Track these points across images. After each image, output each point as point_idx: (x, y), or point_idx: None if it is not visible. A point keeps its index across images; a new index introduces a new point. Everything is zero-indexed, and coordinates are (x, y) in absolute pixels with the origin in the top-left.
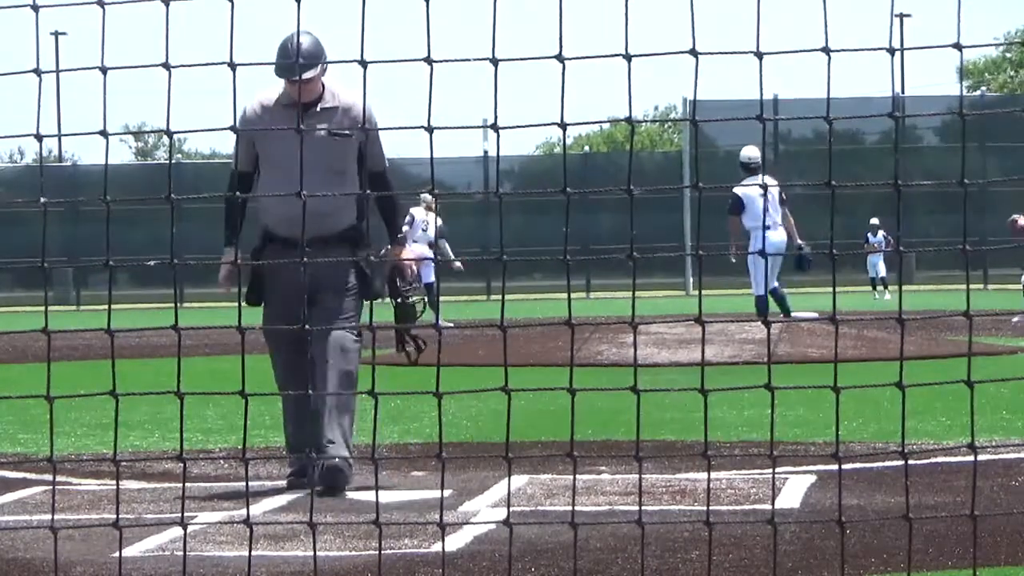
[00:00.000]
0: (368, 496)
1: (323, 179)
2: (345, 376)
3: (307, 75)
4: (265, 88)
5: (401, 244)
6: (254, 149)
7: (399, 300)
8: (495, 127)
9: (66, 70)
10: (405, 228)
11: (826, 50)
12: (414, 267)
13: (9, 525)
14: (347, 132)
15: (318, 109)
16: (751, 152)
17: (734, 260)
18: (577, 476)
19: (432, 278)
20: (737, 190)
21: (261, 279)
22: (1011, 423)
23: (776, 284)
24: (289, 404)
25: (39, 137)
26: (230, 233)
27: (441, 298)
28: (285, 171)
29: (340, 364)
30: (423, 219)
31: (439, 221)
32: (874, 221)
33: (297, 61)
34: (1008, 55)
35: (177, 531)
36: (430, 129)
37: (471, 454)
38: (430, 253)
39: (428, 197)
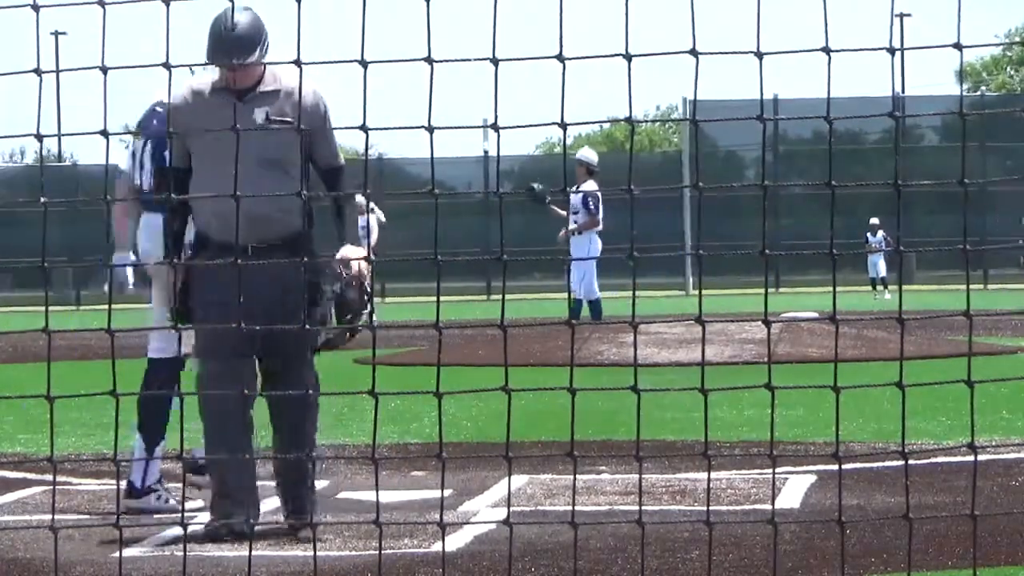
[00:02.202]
0: (368, 496)
1: (260, 173)
2: (312, 427)
3: (248, 60)
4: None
5: (355, 243)
6: (186, 141)
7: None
8: (495, 127)
9: (66, 70)
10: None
11: (826, 50)
12: (364, 267)
13: (9, 525)
14: (288, 119)
15: (256, 93)
16: (593, 155)
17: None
18: (577, 476)
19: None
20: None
21: (189, 290)
22: (1011, 423)
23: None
24: (226, 443)
25: (39, 137)
26: (168, 241)
27: (441, 298)
28: (217, 165)
29: (306, 417)
30: (362, 224)
31: (380, 218)
32: (874, 221)
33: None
34: (1008, 54)
35: (177, 531)
36: (430, 129)
37: (471, 454)
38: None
39: (362, 199)
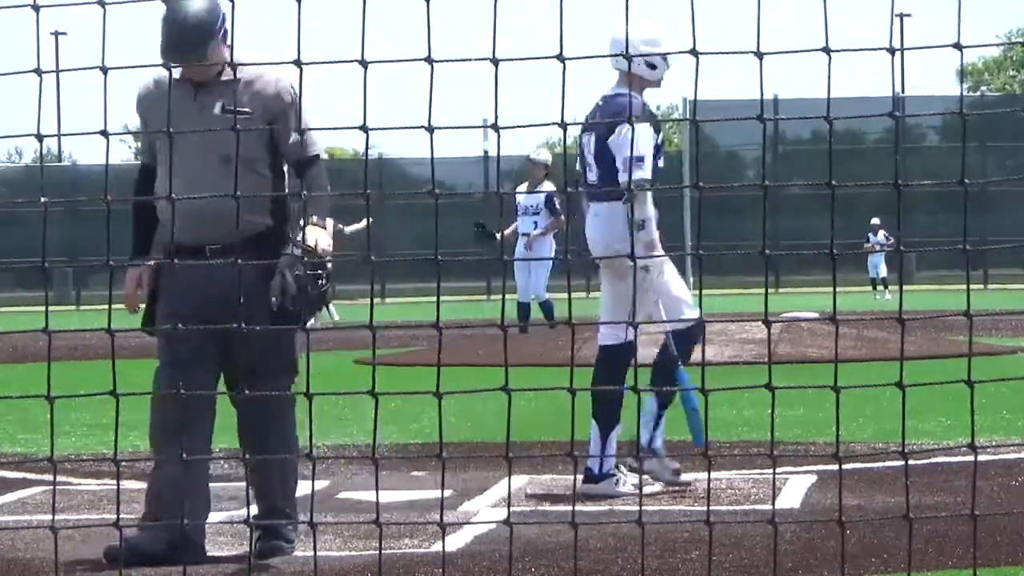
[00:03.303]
0: (368, 496)
1: (221, 170)
2: (283, 441)
3: (199, 53)
4: None
5: (321, 224)
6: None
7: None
8: (495, 127)
9: (66, 70)
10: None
11: (826, 50)
12: (324, 242)
13: (9, 525)
14: (246, 110)
15: (215, 83)
16: (548, 156)
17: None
18: (577, 476)
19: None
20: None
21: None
22: (1011, 423)
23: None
24: (169, 460)
25: (39, 137)
26: (136, 243)
27: (441, 298)
28: (178, 160)
29: (277, 429)
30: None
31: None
32: (875, 221)
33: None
34: (1009, 54)
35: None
36: (430, 129)
37: (471, 454)
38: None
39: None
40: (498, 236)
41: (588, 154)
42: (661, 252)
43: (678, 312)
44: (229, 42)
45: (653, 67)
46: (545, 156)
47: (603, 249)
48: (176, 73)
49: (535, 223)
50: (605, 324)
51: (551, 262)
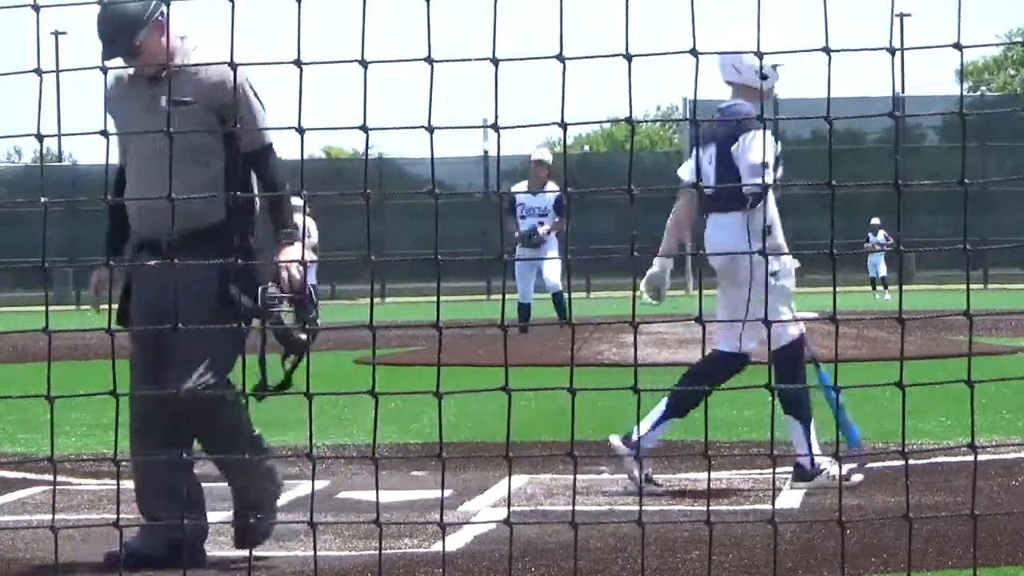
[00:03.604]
0: (368, 496)
1: (167, 163)
2: (223, 441)
3: (127, 48)
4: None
5: (289, 243)
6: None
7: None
8: (495, 127)
9: (66, 70)
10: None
11: (826, 50)
12: (296, 272)
13: (9, 525)
14: (187, 99)
15: (164, 75)
16: (550, 156)
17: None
18: (577, 476)
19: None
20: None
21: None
22: (1011, 423)
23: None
24: (141, 461)
25: (39, 137)
26: (107, 242)
27: (441, 298)
28: (133, 156)
29: (211, 429)
30: (309, 225)
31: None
32: (875, 221)
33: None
34: (1009, 54)
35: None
36: (430, 129)
37: (471, 454)
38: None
39: (299, 200)
40: (541, 231)
41: (708, 164)
42: (787, 255)
43: (781, 325)
44: (181, 34)
45: (764, 77)
46: (547, 156)
47: (724, 258)
48: (133, 69)
49: (540, 223)
50: (724, 331)
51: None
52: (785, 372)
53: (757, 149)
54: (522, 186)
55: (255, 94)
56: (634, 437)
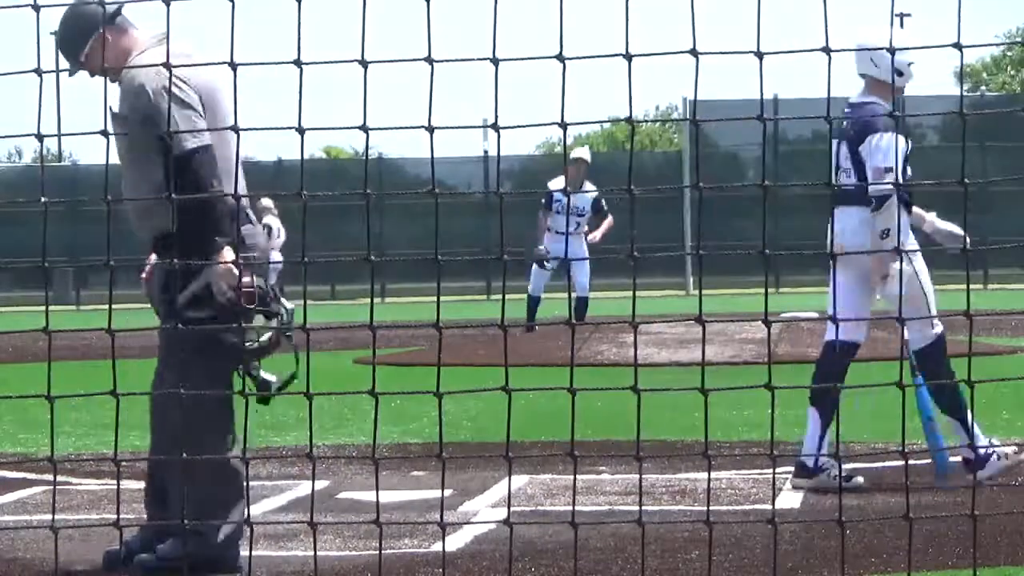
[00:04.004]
0: (368, 496)
1: (127, 170)
2: (171, 442)
3: (76, 60)
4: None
5: (219, 250)
6: None
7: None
8: (495, 127)
9: (66, 70)
10: (272, 239)
11: (826, 50)
12: (222, 282)
13: (9, 525)
14: (114, 109)
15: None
16: (589, 154)
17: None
18: (577, 476)
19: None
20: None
21: None
22: (1011, 423)
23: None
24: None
25: (39, 137)
26: None
27: (441, 298)
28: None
29: (161, 432)
30: (278, 226)
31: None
32: None
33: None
34: (1009, 54)
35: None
36: (430, 129)
37: (471, 454)
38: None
39: (268, 201)
40: (590, 238)
41: (844, 159)
42: (901, 262)
43: (919, 326)
44: (128, 38)
45: (900, 74)
46: (587, 155)
47: (847, 249)
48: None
49: (578, 223)
50: (843, 320)
51: (587, 258)
52: (931, 372)
53: (882, 151)
54: (558, 182)
55: (178, 98)
56: (810, 464)
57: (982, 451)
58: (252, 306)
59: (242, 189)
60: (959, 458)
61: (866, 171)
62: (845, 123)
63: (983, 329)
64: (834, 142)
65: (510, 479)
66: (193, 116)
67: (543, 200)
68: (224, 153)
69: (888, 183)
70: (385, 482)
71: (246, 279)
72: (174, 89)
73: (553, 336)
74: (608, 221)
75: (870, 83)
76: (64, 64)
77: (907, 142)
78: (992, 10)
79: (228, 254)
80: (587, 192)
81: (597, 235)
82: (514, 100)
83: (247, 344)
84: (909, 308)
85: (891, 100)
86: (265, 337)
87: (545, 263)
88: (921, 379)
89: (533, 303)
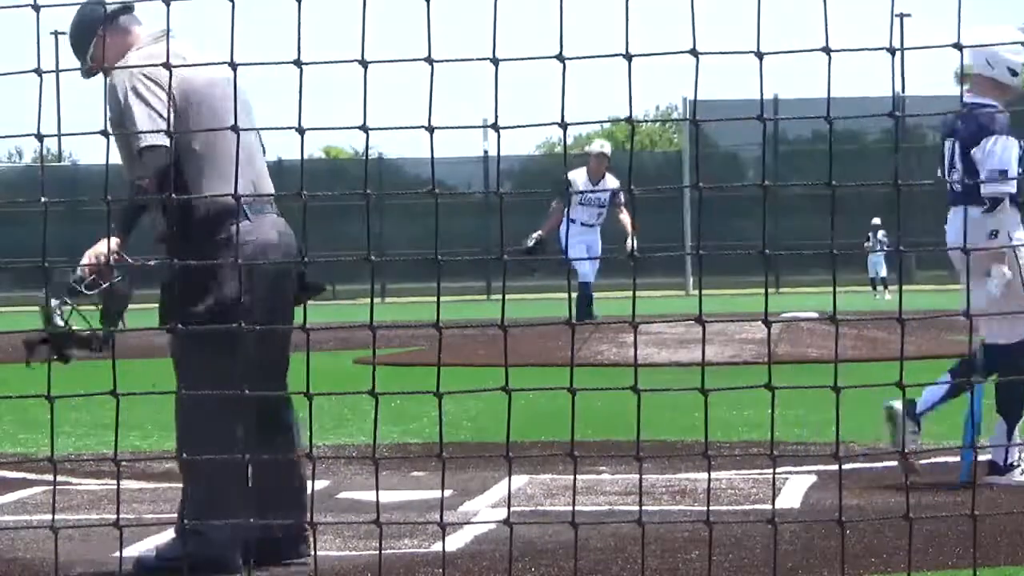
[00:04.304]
0: (368, 496)
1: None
2: (183, 437)
3: (82, 62)
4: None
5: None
6: None
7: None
8: (495, 127)
9: (66, 70)
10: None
11: (826, 50)
12: (91, 255)
13: (9, 525)
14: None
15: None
16: (609, 148)
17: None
18: (577, 476)
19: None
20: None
21: None
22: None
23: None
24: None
25: (39, 137)
26: None
27: (441, 298)
28: None
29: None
30: None
31: None
32: (876, 221)
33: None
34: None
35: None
36: (430, 129)
37: (471, 454)
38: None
39: None
40: (535, 237)
41: (955, 158)
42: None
43: (1009, 328)
44: (131, 37)
45: (1015, 74)
46: (607, 148)
47: (960, 252)
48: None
49: (599, 215)
50: (995, 322)
51: (599, 254)
52: (1006, 368)
53: (997, 155)
54: (579, 173)
55: (140, 97)
56: (1003, 462)
57: (1010, 461)
58: (82, 285)
59: (249, 188)
60: (988, 456)
61: (979, 172)
62: (958, 122)
63: None
64: (947, 142)
65: (510, 479)
66: (155, 116)
67: (561, 190)
68: (224, 153)
69: (1006, 188)
70: (385, 482)
71: (89, 261)
72: (140, 87)
73: (553, 336)
74: (627, 211)
75: (982, 82)
76: (76, 64)
77: (1020, 145)
78: (992, 10)
79: (101, 246)
80: (607, 189)
81: (627, 221)
82: (514, 100)
83: (55, 320)
84: (1009, 304)
85: (1005, 101)
86: (75, 327)
87: (535, 248)
88: (980, 377)
89: (586, 289)
